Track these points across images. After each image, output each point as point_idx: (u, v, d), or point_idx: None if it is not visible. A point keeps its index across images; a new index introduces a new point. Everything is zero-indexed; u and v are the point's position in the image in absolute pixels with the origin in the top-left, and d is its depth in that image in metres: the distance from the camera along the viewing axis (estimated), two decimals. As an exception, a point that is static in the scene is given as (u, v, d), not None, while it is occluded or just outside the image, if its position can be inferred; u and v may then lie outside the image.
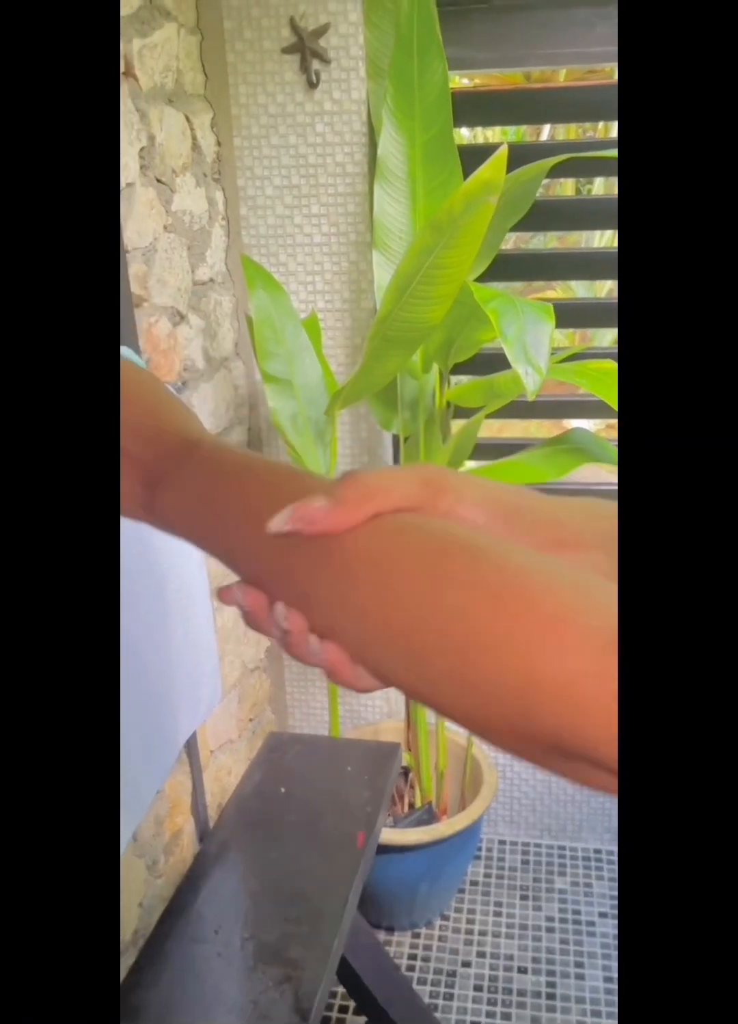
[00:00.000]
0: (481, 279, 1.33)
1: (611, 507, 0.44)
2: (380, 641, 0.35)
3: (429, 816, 1.67)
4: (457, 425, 1.53)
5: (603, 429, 2.47)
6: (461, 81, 1.90)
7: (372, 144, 1.41)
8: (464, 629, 0.32)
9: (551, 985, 1.59)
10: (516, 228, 1.37)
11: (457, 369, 1.47)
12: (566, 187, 2.95)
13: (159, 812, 1.29)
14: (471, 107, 1.46)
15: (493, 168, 1.00)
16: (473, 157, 1.15)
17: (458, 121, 1.31)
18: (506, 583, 0.32)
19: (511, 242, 1.70)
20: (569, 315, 1.51)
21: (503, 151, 1.02)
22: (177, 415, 0.44)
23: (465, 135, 2.32)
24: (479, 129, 2.71)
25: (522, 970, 1.62)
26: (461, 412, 1.51)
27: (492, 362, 1.46)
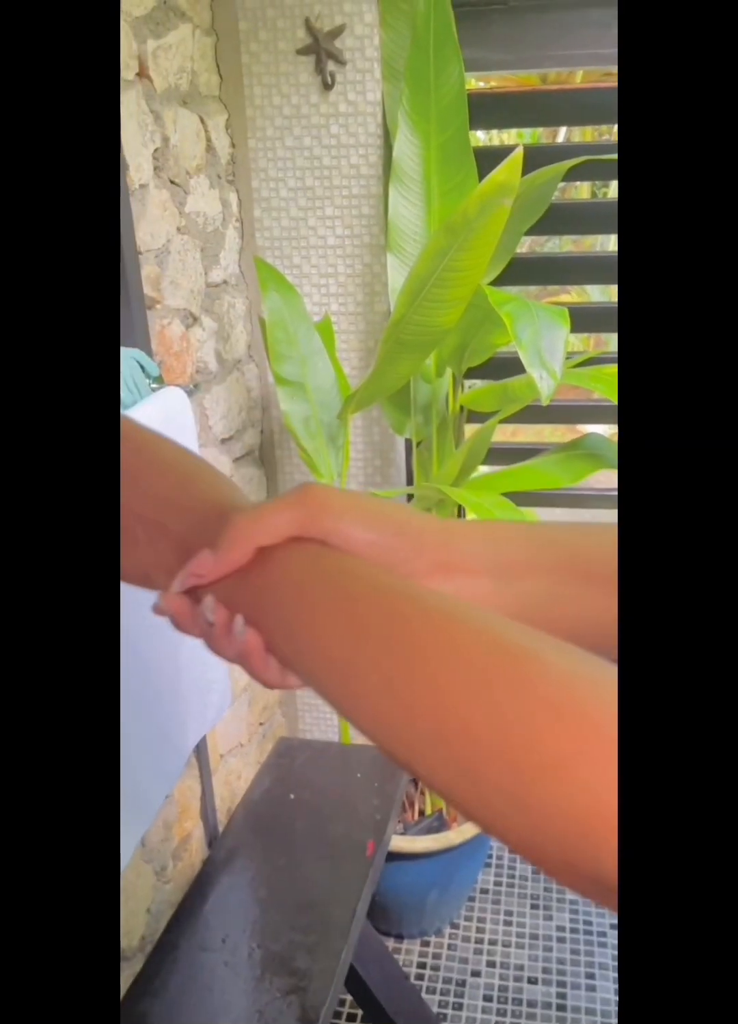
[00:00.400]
0: (496, 283, 1.31)
1: (506, 530, 0.44)
2: (429, 744, 0.31)
3: (439, 823, 1.66)
4: (471, 430, 1.51)
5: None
6: (476, 83, 1.89)
7: (387, 146, 1.40)
8: (522, 742, 0.29)
9: (562, 996, 1.58)
10: (531, 231, 1.36)
11: (471, 373, 1.46)
12: (582, 190, 2.93)
13: (168, 817, 1.28)
14: (487, 109, 1.45)
15: (508, 170, 0.99)
16: (489, 159, 1.14)
17: (474, 123, 1.30)
18: (564, 691, 0.29)
19: (526, 246, 1.69)
20: (584, 319, 1.49)
21: (518, 153, 1.01)
22: (211, 484, 0.42)
23: (481, 137, 2.31)
24: (494, 132, 2.69)
25: (532, 980, 1.61)
26: (474, 417, 1.49)
27: (506, 366, 1.44)
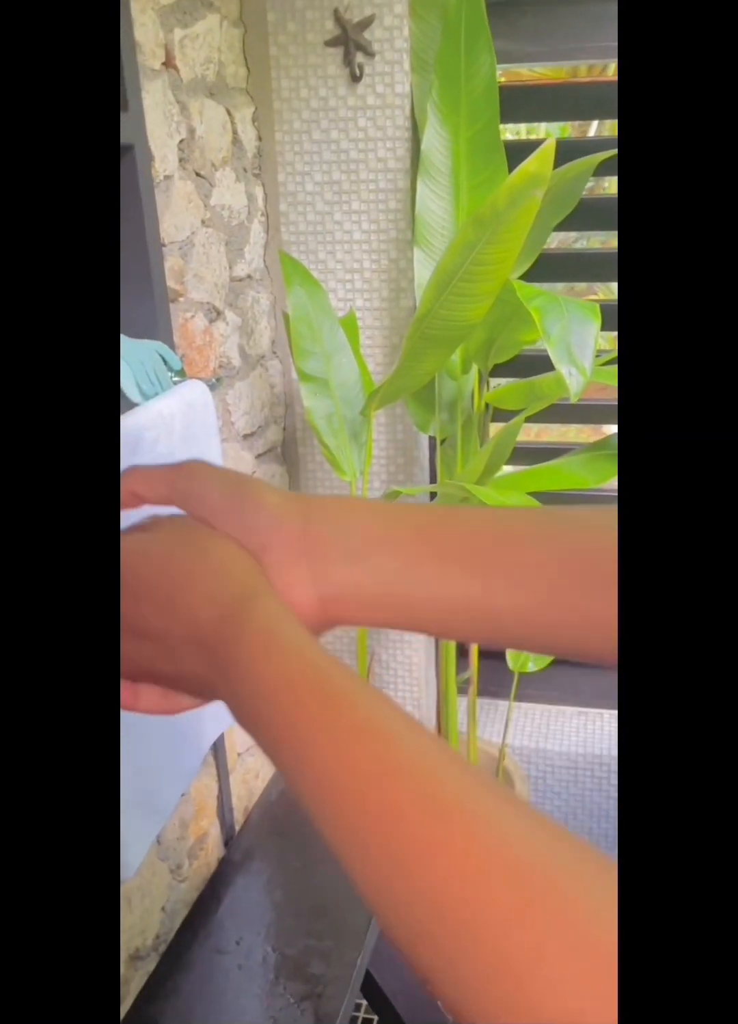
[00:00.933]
0: (523, 279, 1.29)
1: (362, 508, 0.44)
2: (412, 929, 0.28)
3: (458, 828, 1.63)
4: (496, 428, 1.49)
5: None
6: (502, 78, 1.86)
7: (415, 139, 1.38)
8: (465, 913, 0.26)
9: (581, 1007, 1.55)
10: (560, 227, 1.33)
11: (497, 370, 1.44)
12: (613, 187, 2.90)
13: (184, 815, 1.27)
14: (517, 102, 1.43)
15: (540, 161, 0.97)
16: (519, 154, 1.12)
17: (503, 117, 1.28)
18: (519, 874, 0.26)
19: (554, 243, 1.67)
20: (613, 318, 1.47)
21: (551, 144, 0.98)
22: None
23: (509, 135, 2.28)
24: (522, 128, 2.66)
25: (551, 990, 1.58)
26: (500, 415, 1.47)
27: (533, 365, 1.42)
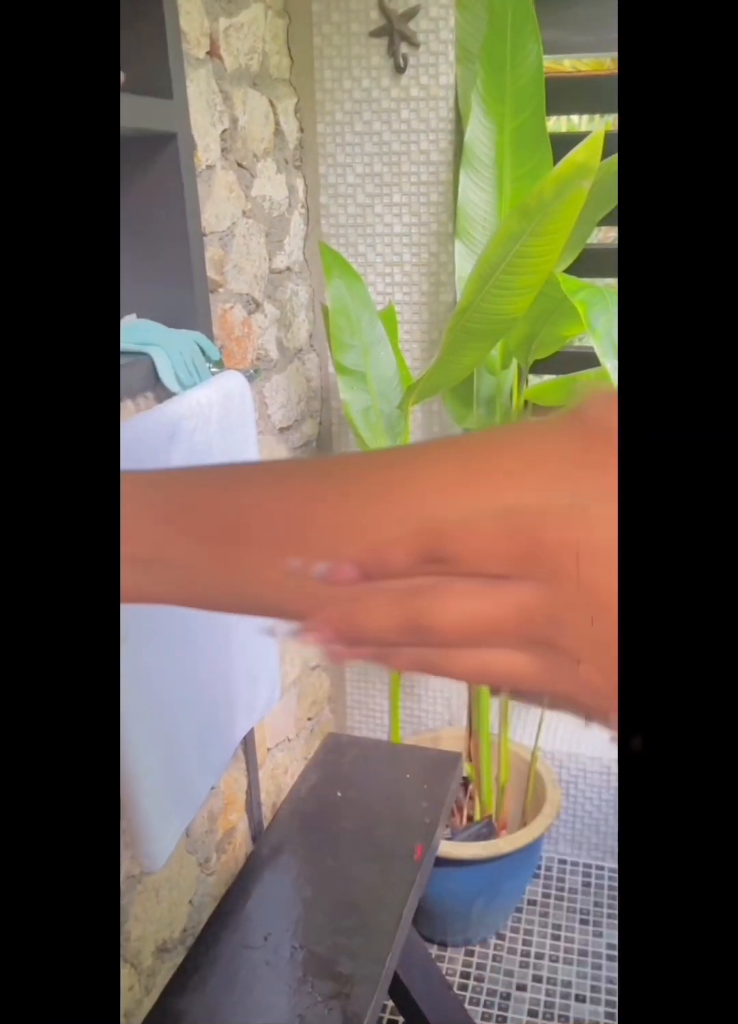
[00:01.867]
0: (567, 273, 1.27)
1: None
2: None
3: (488, 830, 1.62)
4: (535, 426, 1.47)
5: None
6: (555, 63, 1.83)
7: (459, 132, 1.36)
8: None
9: (610, 1017, 1.52)
10: (604, 222, 1.30)
11: (537, 367, 1.42)
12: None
13: (213, 808, 1.26)
14: (562, 93, 1.40)
15: (588, 150, 0.94)
16: (564, 146, 1.10)
17: (549, 108, 1.25)
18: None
19: (597, 238, 1.64)
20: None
21: (599, 133, 0.96)
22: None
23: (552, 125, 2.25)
24: (565, 119, 2.64)
25: (580, 998, 1.55)
26: (539, 412, 1.45)
27: (573, 361, 1.40)
